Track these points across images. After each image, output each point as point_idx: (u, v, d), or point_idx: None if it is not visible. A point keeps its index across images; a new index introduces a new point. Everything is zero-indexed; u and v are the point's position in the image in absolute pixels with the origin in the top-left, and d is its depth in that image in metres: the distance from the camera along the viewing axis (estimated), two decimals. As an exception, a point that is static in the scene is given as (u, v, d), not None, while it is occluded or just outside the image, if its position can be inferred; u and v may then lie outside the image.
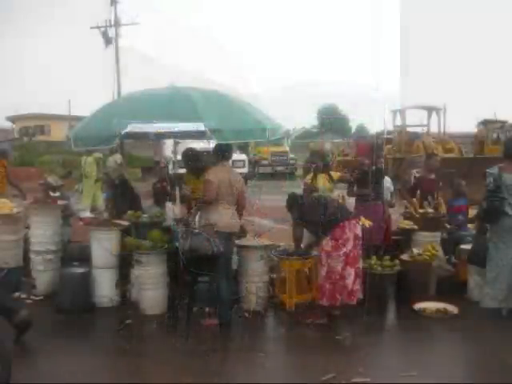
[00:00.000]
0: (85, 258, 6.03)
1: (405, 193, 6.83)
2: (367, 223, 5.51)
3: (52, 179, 7.77)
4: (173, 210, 6.29)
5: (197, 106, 4.98)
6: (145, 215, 5.99)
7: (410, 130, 19.47)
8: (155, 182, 7.86)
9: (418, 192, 6.53)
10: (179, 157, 6.51)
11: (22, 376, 3.78)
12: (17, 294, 5.75)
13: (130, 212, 5.98)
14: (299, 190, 6.36)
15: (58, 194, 7.42)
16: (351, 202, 6.63)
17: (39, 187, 7.74)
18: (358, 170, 6.44)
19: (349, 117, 55.24)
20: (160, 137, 7.97)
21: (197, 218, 5.34)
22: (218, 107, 5.16)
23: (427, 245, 5.88)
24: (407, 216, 6.49)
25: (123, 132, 4.76)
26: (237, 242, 5.51)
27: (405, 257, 5.79)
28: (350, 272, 4.92)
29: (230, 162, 6.09)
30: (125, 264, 5.59)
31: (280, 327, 5.18)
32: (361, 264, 5.12)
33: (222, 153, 5.21)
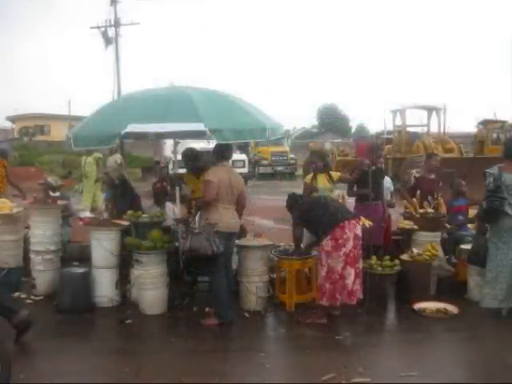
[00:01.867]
0: (85, 258, 6.04)
1: (405, 193, 6.82)
2: (367, 223, 5.51)
3: (52, 179, 7.79)
4: (173, 210, 6.30)
5: (197, 105, 4.97)
6: (145, 215, 5.99)
7: (410, 129, 19.46)
8: (155, 181, 7.86)
9: (418, 192, 6.52)
10: (179, 157, 6.52)
11: (22, 376, 3.79)
12: (17, 294, 5.76)
13: (129, 212, 5.97)
14: (299, 190, 6.36)
15: (57, 194, 7.43)
16: (351, 202, 6.63)
17: (39, 187, 7.75)
18: (357, 169, 6.43)
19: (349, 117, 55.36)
20: (160, 137, 7.98)
21: (197, 218, 5.35)
22: (218, 107, 5.16)
23: (427, 245, 5.88)
24: (407, 216, 6.48)
25: (123, 132, 4.77)
26: (237, 242, 5.51)
27: (405, 257, 5.79)
28: (350, 272, 4.91)
29: (230, 161, 6.10)
30: (125, 264, 5.59)
31: (280, 327, 5.18)
32: (361, 264, 5.11)
33: (222, 153, 5.21)
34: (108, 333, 5.09)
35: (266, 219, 10.98)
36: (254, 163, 22.99)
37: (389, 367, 4.19)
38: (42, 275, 5.88)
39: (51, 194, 7.25)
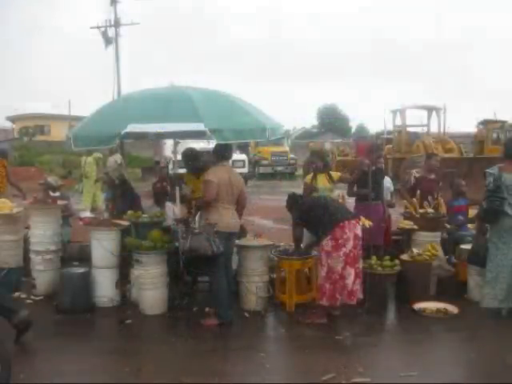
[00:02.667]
0: (85, 257, 6.04)
1: (405, 193, 6.82)
2: (367, 223, 5.51)
3: (52, 179, 7.79)
4: (173, 210, 6.30)
5: (197, 105, 4.97)
6: (145, 215, 5.99)
7: (410, 129, 19.47)
8: (155, 181, 7.86)
9: (418, 192, 6.52)
10: (179, 157, 6.51)
11: (22, 376, 3.79)
12: (17, 294, 5.76)
13: (130, 212, 5.97)
14: (299, 190, 6.36)
15: (57, 194, 7.43)
16: (351, 202, 6.63)
17: (39, 187, 7.75)
18: (357, 170, 6.43)
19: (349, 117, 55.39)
20: (160, 137, 7.97)
21: (197, 218, 5.35)
22: (218, 107, 5.16)
23: (427, 245, 5.88)
24: (407, 216, 6.48)
25: (123, 132, 4.76)
26: (237, 242, 5.51)
27: (405, 257, 5.78)
28: (350, 272, 4.91)
29: (230, 161, 6.09)
30: (125, 264, 5.59)
31: (280, 327, 5.18)
32: (361, 264, 5.11)
33: (222, 153, 5.21)
34: (108, 333, 5.09)
35: (266, 219, 10.99)
36: (254, 163, 23.01)
37: (389, 367, 4.19)
38: (42, 275, 5.88)
39: (51, 193, 7.26)
